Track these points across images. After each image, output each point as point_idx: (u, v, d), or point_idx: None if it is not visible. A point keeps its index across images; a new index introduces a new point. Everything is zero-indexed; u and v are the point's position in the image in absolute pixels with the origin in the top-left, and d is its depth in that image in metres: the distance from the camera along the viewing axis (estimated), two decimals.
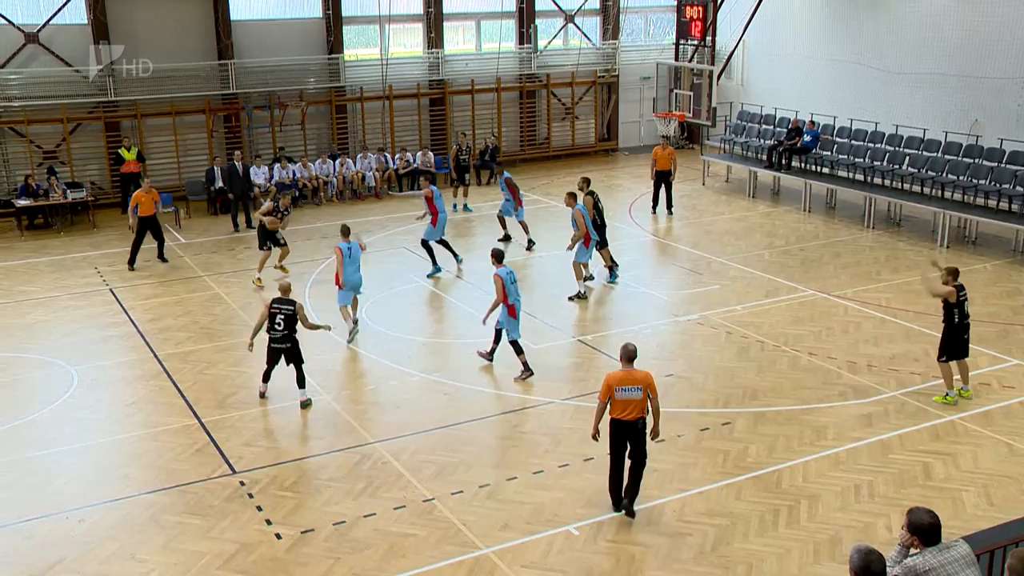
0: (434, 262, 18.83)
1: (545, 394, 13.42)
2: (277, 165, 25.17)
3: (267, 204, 18.63)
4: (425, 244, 18.84)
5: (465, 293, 17.94)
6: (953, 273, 12.70)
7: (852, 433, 12.15)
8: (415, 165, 26.66)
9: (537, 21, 29.84)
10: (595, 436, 10.30)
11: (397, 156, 26.92)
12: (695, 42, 29.07)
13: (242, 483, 11.21)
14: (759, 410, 12.86)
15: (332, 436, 12.37)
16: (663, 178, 23.35)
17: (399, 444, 12.07)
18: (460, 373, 14.33)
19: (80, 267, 19.96)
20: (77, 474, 11.57)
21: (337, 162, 25.97)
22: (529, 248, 20.57)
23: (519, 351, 14.04)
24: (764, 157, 25.50)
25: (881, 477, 11.06)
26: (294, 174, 25.22)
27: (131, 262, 19.69)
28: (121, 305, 17.55)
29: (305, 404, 13.13)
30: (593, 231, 17.51)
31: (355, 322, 15.65)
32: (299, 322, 13.07)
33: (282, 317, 12.88)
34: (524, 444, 12.03)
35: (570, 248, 17.42)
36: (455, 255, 19.14)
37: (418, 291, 17.70)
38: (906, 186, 22.33)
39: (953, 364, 12.94)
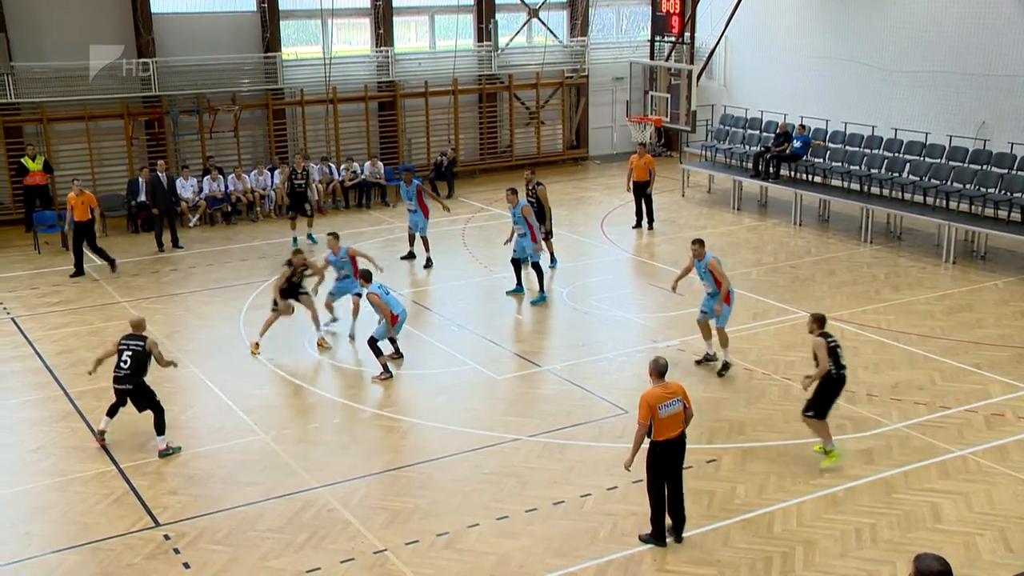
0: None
1: (509, 430, 13.38)
2: (207, 177, 25.03)
3: (283, 270, 16.46)
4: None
5: (418, 319, 17.88)
6: (819, 321, 12.18)
7: (851, 470, 12.19)
8: (363, 177, 26.63)
9: (498, 16, 30.01)
10: (629, 466, 10.50)
11: (343, 167, 26.87)
12: (672, 39, 29.32)
13: (167, 537, 11.04)
14: (747, 445, 12.90)
15: (270, 481, 12.22)
16: (640, 190, 23.52)
17: (347, 489, 11.96)
18: (414, 408, 14.26)
19: None
20: None
21: (275, 173, 25.87)
22: (427, 266, 20.86)
23: (378, 353, 14.95)
24: (750, 165, 25.76)
25: (885, 519, 11.11)
26: (226, 187, 25.08)
27: (78, 271, 20.74)
28: (25, 336, 17.29)
29: (164, 454, 12.82)
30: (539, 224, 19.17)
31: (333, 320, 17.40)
32: (155, 360, 12.91)
33: (129, 354, 12.68)
34: (486, 487, 11.96)
35: (718, 312, 15.00)
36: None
37: (364, 317, 17.59)
38: (907, 196, 22.63)
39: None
